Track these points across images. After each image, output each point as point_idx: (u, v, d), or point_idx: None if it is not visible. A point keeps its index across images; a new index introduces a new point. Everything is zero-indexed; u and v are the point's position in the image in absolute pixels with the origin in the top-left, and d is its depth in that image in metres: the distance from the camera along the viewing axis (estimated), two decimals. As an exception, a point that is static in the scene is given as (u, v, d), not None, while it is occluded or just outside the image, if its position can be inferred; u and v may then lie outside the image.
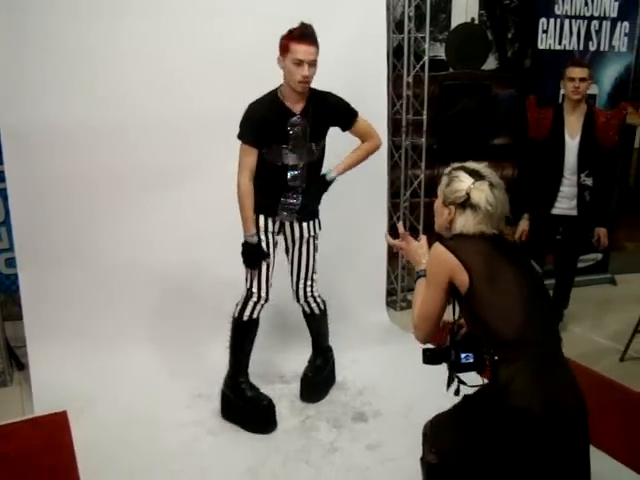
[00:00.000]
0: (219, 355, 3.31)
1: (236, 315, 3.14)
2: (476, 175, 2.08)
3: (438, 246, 2.02)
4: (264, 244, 3.09)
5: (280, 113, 2.95)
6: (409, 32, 4.37)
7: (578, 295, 4.41)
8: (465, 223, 2.04)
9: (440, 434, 2.28)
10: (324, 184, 3.18)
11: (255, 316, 3.14)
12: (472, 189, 2.04)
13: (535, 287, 2.05)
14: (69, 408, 3.22)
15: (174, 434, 3.07)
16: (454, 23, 4.79)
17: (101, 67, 3.43)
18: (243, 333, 3.17)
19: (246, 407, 3.16)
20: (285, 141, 2.99)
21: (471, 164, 2.14)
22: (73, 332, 3.52)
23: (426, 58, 4.41)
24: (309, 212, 3.20)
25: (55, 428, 3.11)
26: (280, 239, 3.23)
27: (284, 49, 2.86)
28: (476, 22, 4.84)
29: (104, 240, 3.59)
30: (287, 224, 3.18)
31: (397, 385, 3.53)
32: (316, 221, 3.25)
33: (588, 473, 1.92)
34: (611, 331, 4.31)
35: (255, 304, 3.12)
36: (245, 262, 3.08)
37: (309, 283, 3.28)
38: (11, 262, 3.98)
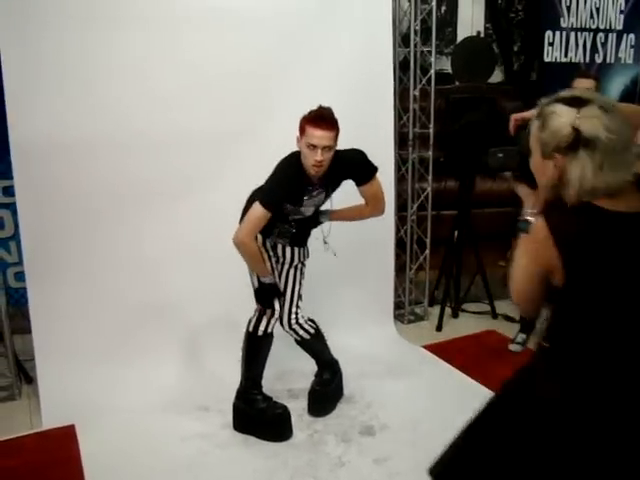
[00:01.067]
0: (226, 369, 3.33)
1: (251, 330, 3.15)
2: (578, 102, 1.53)
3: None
4: (265, 256, 3.10)
5: (300, 181, 2.93)
6: (415, 46, 4.38)
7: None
8: (582, 172, 1.50)
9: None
10: (315, 222, 3.22)
11: (270, 330, 3.16)
12: (580, 119, 1.50)
13: None
14: (77, 421, 3.23)
15: (182, 447, 3.07)
16: (460, 37, 4.81)
17: (96, 82, 3.43)
18: (258, 347, 3.18)
19: (261, 417, 3.17)
20: (299, 204, 3.00)
21: (567, 92, 1.62)
22: (81, 345, 3.53)
23: (432, 72, 4.42)
24: (299, 240, 3.21)
25: (63, 441, 3.11)
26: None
27: (301, 130, 2.84)
28: (482, 35, 4.86)
29: (112, 254, 3.60)
30: (279, 246, 3.18)
31: (405, 398, 3.52)
32: (305, 249, 3.26)
33: None
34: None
35: (270, 318, 3.14)
36: (259, 302, 3.10)
37: (294, 310, 3.24)
38: (20, 276, 3.99)
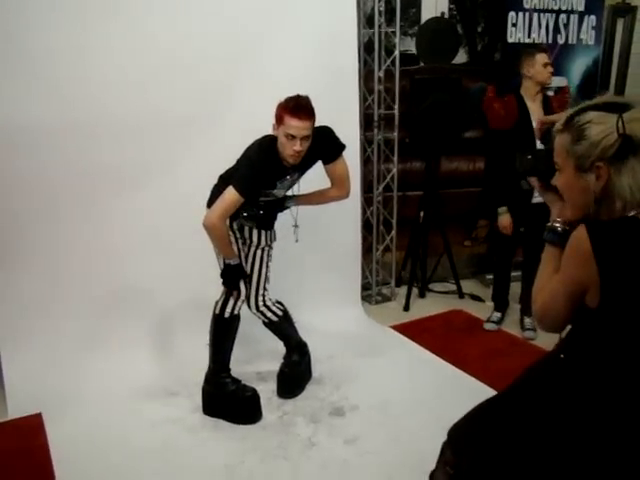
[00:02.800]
0: (195, 353, 3.31)
1: (217, 312, 3.15)
2: (616, 107, 1.41)
3: (582, 238, 1.39)
4: (233, 239, 3.10)
5: (276, 167, 2.92)
6: (379, 27, 4.37)
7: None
8: (633, 180, 1.38)
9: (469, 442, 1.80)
10: (281, 207, 3.23)
11: (236, 312, 3.16)
12: (627, 122, 1.36)
13: None
14: (44, 410, 3.19)
15: (151, 433, 3.06)
16: (424, 17, 4.79)
17: (60, 66, 3.34)
18: (225, 330, 3.17)
19: (231, 400, 3.17)
20: (272, 187, 3.00)
21: (594, 99, 1.48)
22: (46, 334, 3.48)
23: (397, 52, 4.42)
24: (266, 223, 3.21)
25: (30, 430, 3.08)
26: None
27: (278, 119, 2.81)
28: (446, 16, 4.86)
29: (76, 241, 3.54)
30: (246, 228, 3.17)
31: (374, 379, 3.55)
32: (272, 232, 3.26)
33: None
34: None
35: (236, 300, 3.13)
36: (225, 283, 3.09)
37: (261, 292, 3.23)
38: (-18, 264, 3.92)
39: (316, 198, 3.25)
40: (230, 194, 2.86)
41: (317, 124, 2.91)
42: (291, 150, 2.81)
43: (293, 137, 2.78)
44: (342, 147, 3.07)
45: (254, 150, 2.92)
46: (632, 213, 1.41)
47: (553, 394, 1.60)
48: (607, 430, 1.49)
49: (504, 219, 3.94)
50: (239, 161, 2.96)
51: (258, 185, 2.92)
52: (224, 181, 2.99)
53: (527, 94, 3.87)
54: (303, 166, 3.01)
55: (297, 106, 2.78)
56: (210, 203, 3.03)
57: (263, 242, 3.22)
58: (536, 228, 4.03)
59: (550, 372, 1.65)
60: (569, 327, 1.61)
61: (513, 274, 4.31)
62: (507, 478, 1.66)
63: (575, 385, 1.54)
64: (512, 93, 3.92)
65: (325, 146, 3.02)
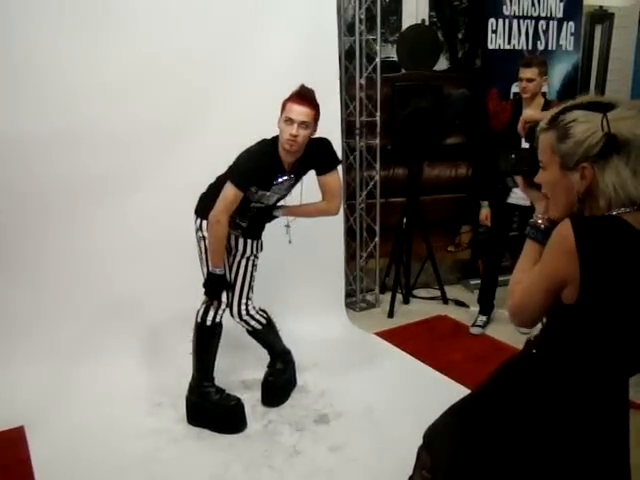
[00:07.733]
0: (178, 363, 3.30)
1: (199, 320, 3.14)
2: (600, 106, 1.42)
3: (566, 230, 1.38)
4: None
5: (273, 165, 2.94)
6: (360, 34, 4.39)
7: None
8: (617, 179, 1.38)
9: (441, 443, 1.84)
10: (269, 216, 3.24)
11: (218, 320, 3.14)
12: (612, 121, 1.37)
13: None
14: (26, 423, 3.15)
15: (135, 444, 3.03)
16: (405, 25, 4.82)
17: (44, 77, 3.34)
18: (208, 338, 3.16)
19: (215, 409, 3.16)
20: (267, 188, 3.00)
21: (581, 98, 1.48)
22: (28, 346, 3.45)
23: (378, 60, 4.44)
24: (253, 232, 3.22)
25: (12, 444, 3.03)
26: None
27: (282, 108, 2.87)
28: (426, 23, 4.88)
29: (62, 251, 3.53)
30: (232, 237, 3.17)
31: (358, 386, 3.54)
32: (259, 242, 3.27)
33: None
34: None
35: (217, 308, 3.12)
36: (207, 293, 3.08)
37: (244, 301, 3.24)
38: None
39: (304, 210, 3.24)
40: (227, 189, 2.89)
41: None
42: (287, 134, 2.83)
43: (292, 122, 2.81)
44: (337, 161, 3.13)
45: (254, 146, 2.95)
46: (616, 212, 1.42)
47: (526, 391, 1.60)
48: (580, 424, 1.51)
49: (483, 212, 4.25)
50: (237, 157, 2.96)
51: (254, 178, 2.91)
52: (220, 181, 2.99)
53: (523, 101, 3.93)
54: (298, 170, 3.03)
55: (299, 93, 2.87)
56: (197, 209, 3.08)
57: (249, 251, 3.21)
58: (520, 227, 4.15)
59: (523, 369, 1.66)
60: (539, 326, 1.61)
61: (500, 278, 4.34)
62: (484, 477, 1.67)
63: (548, 381, 1.55)
64: (513, 99, 3.99)
65: (321, 155, 3.05)
